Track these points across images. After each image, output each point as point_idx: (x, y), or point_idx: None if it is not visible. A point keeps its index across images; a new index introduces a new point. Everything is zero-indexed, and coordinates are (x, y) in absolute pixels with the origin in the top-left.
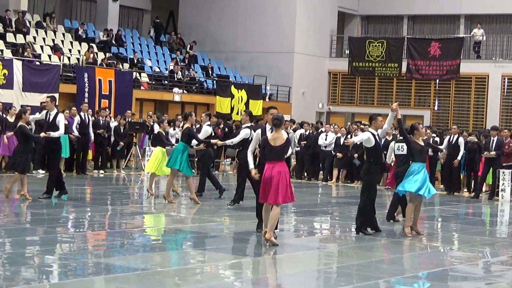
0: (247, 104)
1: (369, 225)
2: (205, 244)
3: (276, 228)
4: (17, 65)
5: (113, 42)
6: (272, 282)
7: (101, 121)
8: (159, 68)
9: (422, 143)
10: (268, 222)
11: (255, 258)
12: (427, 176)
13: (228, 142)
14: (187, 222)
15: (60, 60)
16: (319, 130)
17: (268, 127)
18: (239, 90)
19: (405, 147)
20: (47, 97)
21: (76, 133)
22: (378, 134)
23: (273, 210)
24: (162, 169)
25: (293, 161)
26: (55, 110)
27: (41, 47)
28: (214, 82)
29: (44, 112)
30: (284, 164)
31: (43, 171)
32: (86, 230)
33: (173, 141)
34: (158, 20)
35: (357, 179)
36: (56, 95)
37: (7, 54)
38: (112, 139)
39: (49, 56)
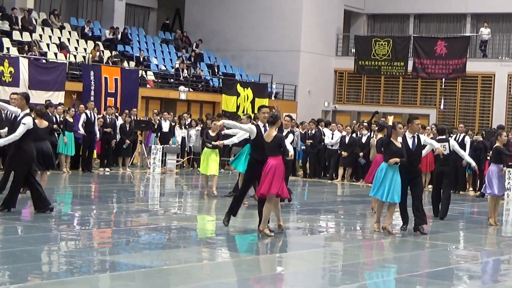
0: (253, 102)
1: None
2: (210, 241)
3: (268, 222)
4: (24, 63)
5: (119, 40)
6: (277, 280)
7: (108, 120)
8: (165, 66)
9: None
10: (263, 214)
11: (260, 256)
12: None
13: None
14: (193, 220)
15: (66, 58)
16: (319, 127)
17: (261, 124)
18: (245, 89)
19: (447, 146)
20: (18, 94)
21: (82, 131)
22: (413, 136)
23: (269, 202)
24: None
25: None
26: (27, 111)
27: (47, 45)
28: (220, 80)
29: (16, 109)
30: (279, 158)
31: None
32: (92, 228)
33: (179, 140)
34: (167, 21)
35: (362, 178)
36: (62, 93)
37: (14, 52)
38: (118, 137)
39: (55, 54)
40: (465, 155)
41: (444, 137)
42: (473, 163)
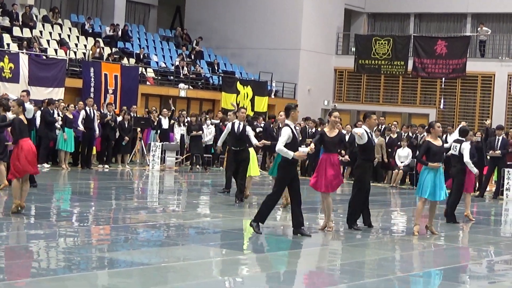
0: (252, 100)
1: (362, 220)
2: (209, 239)
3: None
4: (24, 59)
5: (120, 37)
6: (275, 278)
7: (109, 115)
8: (165, 63)
9: (440, 143)
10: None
11: (258, 254)
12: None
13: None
14: (191, 218)
15: (66, 55)
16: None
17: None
18: (245, 87)
19: (457, 147)
20: (23, 91)
21: (81, 127)
22: (371, 132)
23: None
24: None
25: None
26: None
27: (48, 41)
28: (220, 78)
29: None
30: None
31: (48, 165)
32: (90, 225)
33: (178, 137)
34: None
35: None
36: (62, 89)
37: (14, 48)
38: (117, 134)
39: (56, 50)
40: (470, 163)
41: (463, 138)
42: (476, 171)
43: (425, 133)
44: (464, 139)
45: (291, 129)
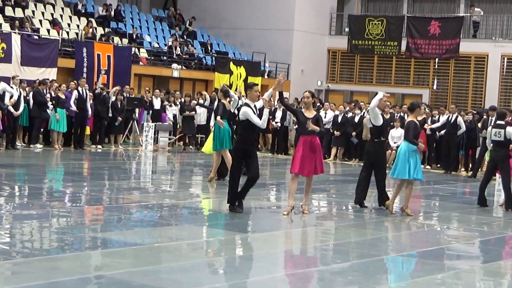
0: (245, 80)
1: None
2: (202, 220)
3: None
4: (16, 39)
5: (112, 17)
6: (268, 258)
7: (101, 95)
8: (158, 43)
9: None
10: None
11: (252, 234)
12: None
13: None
14: (184, 198)
15: (59, 35)
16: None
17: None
18: (238, 67)
19: (502, 133)
20: None
21: (74, 108)
22: (382, 113)
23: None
24: None
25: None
26: None
27: (40, 21)
28: (213, 58)
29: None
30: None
31: (41, 146)
32: (83, 205)
33: (171, 117)
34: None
35: (355, 157)
36: (55, 70)
37: (6, 28)
38: (110, 114)
39: (48, 30)
40: None
41: (502, 122)
42: None
43: (408, 113)
44: (504, 122)
45: (251, 107)
